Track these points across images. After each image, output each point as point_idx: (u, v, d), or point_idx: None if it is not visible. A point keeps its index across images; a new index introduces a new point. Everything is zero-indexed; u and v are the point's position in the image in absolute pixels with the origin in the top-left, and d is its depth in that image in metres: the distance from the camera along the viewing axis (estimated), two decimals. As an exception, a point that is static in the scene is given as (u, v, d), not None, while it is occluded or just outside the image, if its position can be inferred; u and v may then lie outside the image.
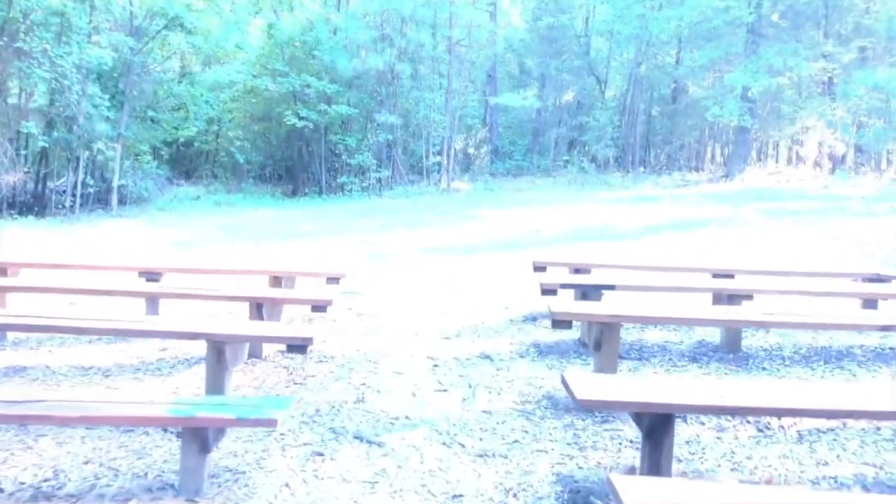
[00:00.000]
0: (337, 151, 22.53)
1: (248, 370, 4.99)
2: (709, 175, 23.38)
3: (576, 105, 27.63)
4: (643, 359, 5.20)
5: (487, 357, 5.30)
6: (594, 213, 14.81)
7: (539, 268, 6.36)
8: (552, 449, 3.72)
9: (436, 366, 5.13)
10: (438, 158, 23.06)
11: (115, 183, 18.29)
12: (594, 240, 10.93)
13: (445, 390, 4.61)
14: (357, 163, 21.90)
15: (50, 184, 18.16)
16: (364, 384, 4.69)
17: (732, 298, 5.20)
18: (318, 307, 5.20)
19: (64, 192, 17.70)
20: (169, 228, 14.67)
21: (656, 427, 3.02)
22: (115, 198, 18.27)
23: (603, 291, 5.51)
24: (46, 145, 17.01)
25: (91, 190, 18.06)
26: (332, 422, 4.05)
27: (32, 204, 17.94)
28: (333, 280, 6.29)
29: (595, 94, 28.31)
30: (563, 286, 5.33)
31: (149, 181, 21.02)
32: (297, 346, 4.05)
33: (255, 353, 5.18)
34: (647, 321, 4.66)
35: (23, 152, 17.24)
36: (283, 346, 5.39)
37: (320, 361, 5.18)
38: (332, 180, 22.51)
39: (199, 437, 3.00)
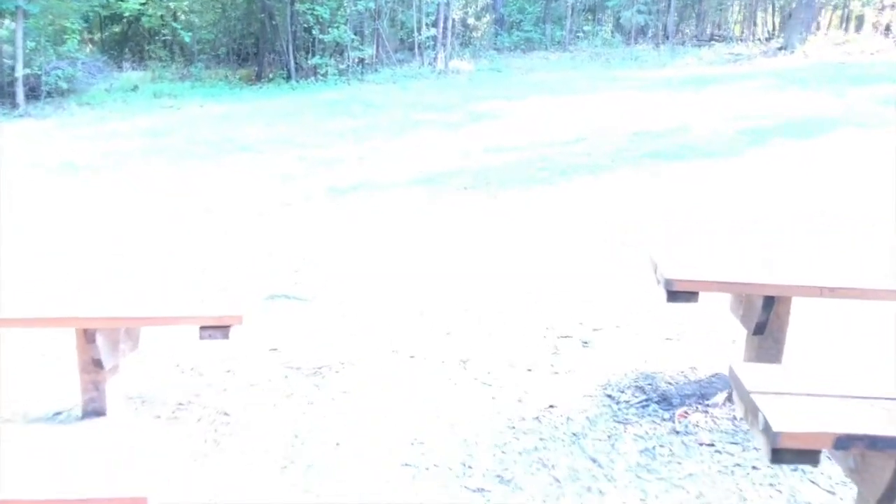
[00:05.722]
0: (307, 25, 18.18)
1: None
2: (762, 47, 19.18)
3: (595, -39, 22.93)
4: None
5: None
6: (642, 104, 11.01)
7: (680, 293, 2.81)
8: None
9: None
10: (433, 31, 18.76)
11: (20, 72, 14.22)
12: (672, 159, 7.28)
13: None
14: (332, 39, 17.64)
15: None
16: None
17: None
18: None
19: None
20: (75, 136, 10.93)
21: None
22: (20, 91, 14.26)
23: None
24: None
25: (-13, 82, 14.09)
26: None
27: None
28: (215, 331, 2.76)
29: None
30: (873, 439, 1.78)
31: (76, 68, 16.84)
32: None
33: None
34: None
35: None
36: None
37: None
38: (304, 61, 18.32)
39: None
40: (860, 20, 21.64)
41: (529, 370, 3.28)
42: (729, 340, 3.46)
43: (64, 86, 15.62)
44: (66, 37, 17.78)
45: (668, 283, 2.80)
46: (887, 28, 20.33)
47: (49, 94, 15.30)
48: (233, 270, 4.62)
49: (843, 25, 21.79)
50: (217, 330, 2.77)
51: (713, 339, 3.49)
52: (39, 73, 15.05)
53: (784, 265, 3.01)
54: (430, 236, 5.26)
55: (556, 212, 5.74)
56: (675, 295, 2.82)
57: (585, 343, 3.53)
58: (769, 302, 2.80)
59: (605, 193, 6.20)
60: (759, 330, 2.86)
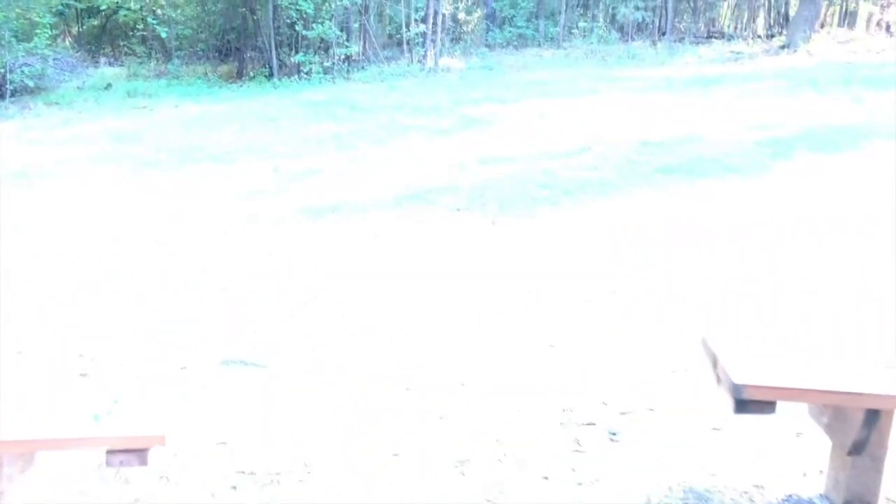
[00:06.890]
0: (291, 20, 17.34)
1: None
2: (763, 45, 18.50)
3: (590, -45, 22.14)
4: None
5: None
6: (646, 107, 10.28)
7: (753, 402, 2.09)
8: None
9: None
10: (422, 27, 17.98)
11: (-20, 69, 13.38)
12: (690, 175, 6.55)
13: None
14: (317, 35, 16.81)
15: None
16: None
17: None
18: None
19: None
20: (35, 140, 10.10)
21: None
22: (-19, 90, 13.42)
23: None
24: None
25: (-54, 80, 13.21)
26: None
27: None
28: (129, 456, 2.02)
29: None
30: None
31: (45, 65, 15.96)
32: None
33: None
34: None
35: None
36: None
37: None
38: (287, 58, 17.47)
39: None
40: (853, 16, 20.92)
41: (546, 478, 2.55)
42: (794, 433, 2.73)
43: (31, 84, 14.76)
44: (36, 31, 16.87)
45: (736, 389, 2.07)
46: (888, 26, 19.66)
47: (15, 92, 14.43)
48: (177, 321, 3.86)
49: (841, 23, 21.09)
50: (131, 454, 2.03)
51: (775, 431, 2.76)
52: (3, 70, 14.17)
53: (884, 358, 2.29)
54: (419, 277, 4.52)
55: (565, 242, 5.02)
56: (745, 405, 2.09)
57: (613, 435, 2.80)
58: (873, 417, 2.07)
59: (620, 218, 5.47)
60: (856, 450, 2.13)
